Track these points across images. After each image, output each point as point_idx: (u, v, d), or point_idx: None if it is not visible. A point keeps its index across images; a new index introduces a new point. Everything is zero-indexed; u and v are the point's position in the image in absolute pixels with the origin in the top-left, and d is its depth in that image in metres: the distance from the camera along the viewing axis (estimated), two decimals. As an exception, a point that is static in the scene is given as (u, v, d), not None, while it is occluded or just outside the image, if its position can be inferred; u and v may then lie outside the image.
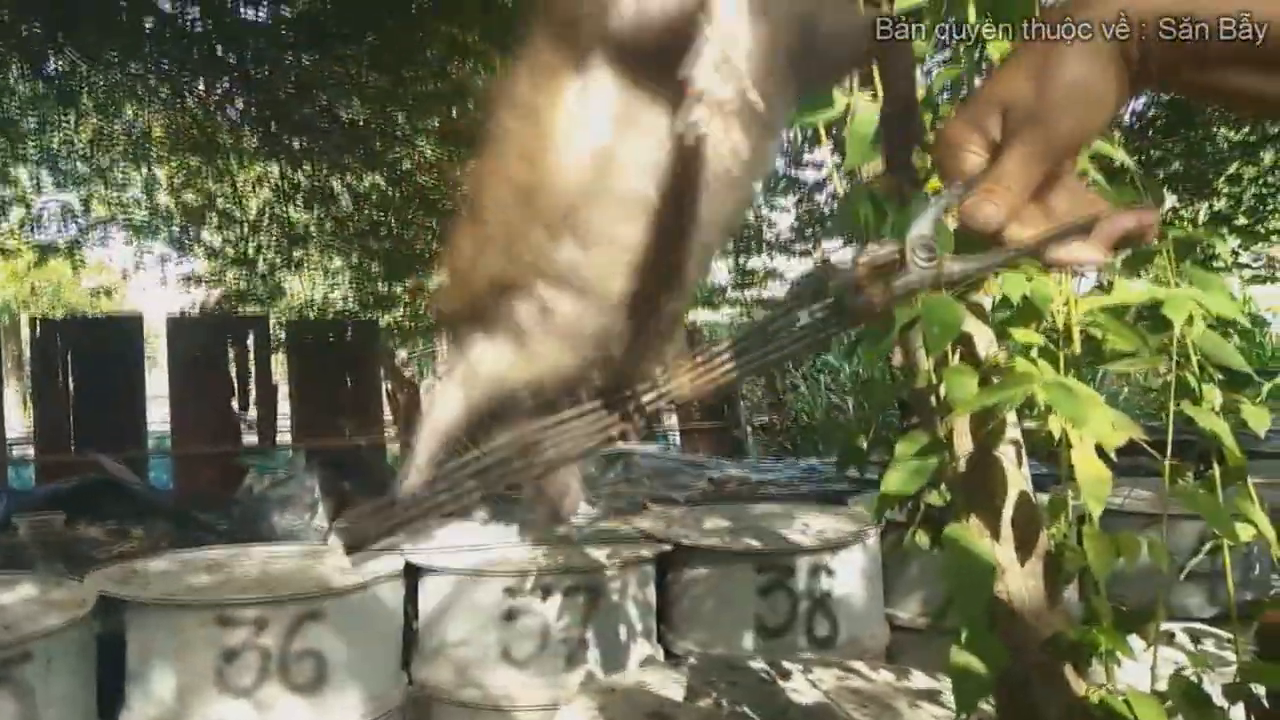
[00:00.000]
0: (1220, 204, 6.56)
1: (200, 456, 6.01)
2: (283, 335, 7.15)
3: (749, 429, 7.18)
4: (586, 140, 0.56)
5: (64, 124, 6.81)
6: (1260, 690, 1.23)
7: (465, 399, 0.60)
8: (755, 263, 9.55)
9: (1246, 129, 6.03)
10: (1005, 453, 1.30)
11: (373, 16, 4.95)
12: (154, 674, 2.41)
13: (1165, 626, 1.65)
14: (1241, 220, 6.56)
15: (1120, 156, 1.24)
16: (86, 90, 6.25)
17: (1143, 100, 6.12)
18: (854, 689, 2.07)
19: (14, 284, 13.74)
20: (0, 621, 2.28)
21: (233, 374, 6.35)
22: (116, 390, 6.27)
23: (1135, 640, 1.26)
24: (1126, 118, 6.09)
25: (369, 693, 2.49)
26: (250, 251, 7.75)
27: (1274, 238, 6.91)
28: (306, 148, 6.44)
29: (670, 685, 2.12)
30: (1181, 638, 2.01)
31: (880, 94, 1.28)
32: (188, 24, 5.62)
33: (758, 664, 2.29)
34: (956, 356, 1.28)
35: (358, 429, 5.76)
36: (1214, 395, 1.27)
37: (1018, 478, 1.30)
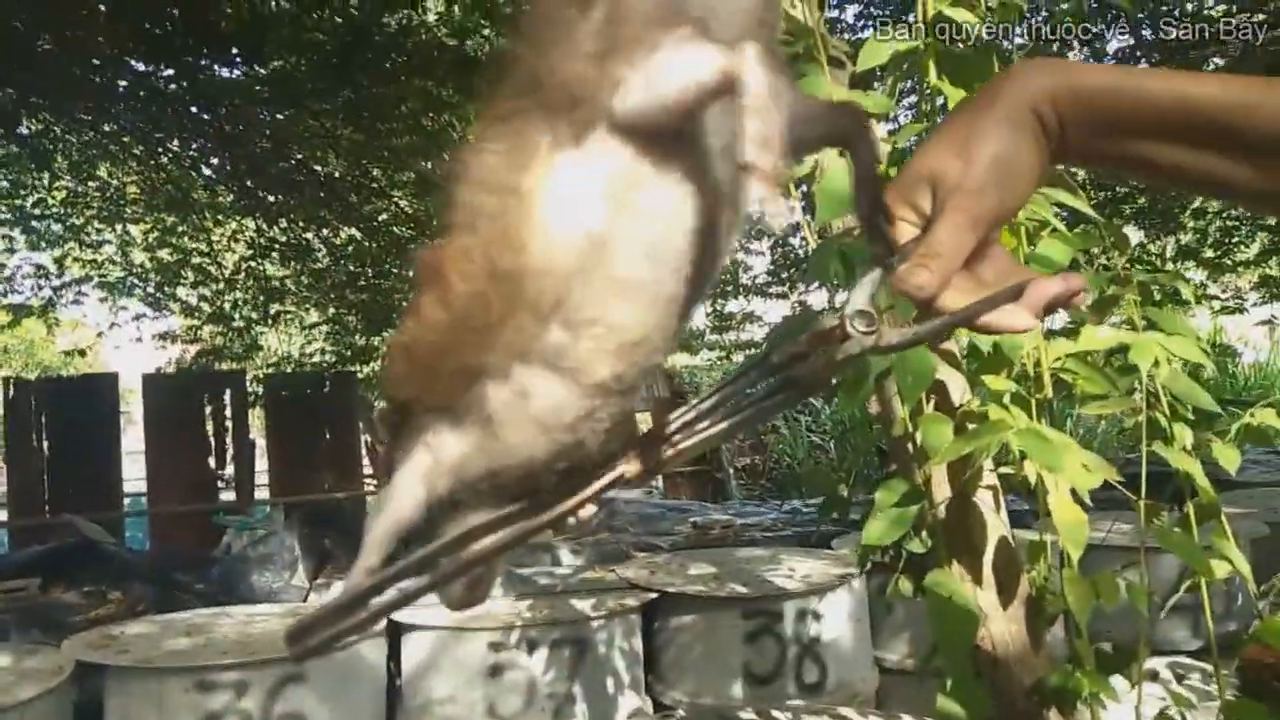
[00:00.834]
0: (1186, 237, 6.70)
1: (177, 515, 5.93)
2: (260, 390, 7.10)
3: (731, 471, 7.17)
4: (579, 220, 0.53)
5: (38, 184, 6.80)
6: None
7: (425, 490, 0.56)
8: (733, 306, 9.62)
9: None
10: (983, 498, 1.31)
11: (346, 72, 5.00)
12: (133, 743, 2.35)
13: (1149, 664, 1.66)
14: (1208, 253, 6.70)
15: (1081, 206, 1.28)
16: (60, 150, 6.25)
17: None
18: (844, 736, 2.05)
19: (-14, 344, 13.58)
20: (-26, 694, 2.23)
21: (209, 430, 6.29)
22: (91, 451, 6.19)
23: (1119, 680, 1.27)
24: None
25: (353, 755, 2.44)
26: (226, 307, 7.72)
27: (1240, 269, 7.05)
28: (282, 202, 6.45)
29: (659, 738, 2.09)
30: (1166, 674, 2.02)
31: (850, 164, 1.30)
32: (161, 82, 5.64)
33: (747, 714, 2.27)
34: (931, 404, 1.30)
35: (337, 482, 5.71)
36: (1185, 435, 1.29)
37: (996, 523, 1.31)
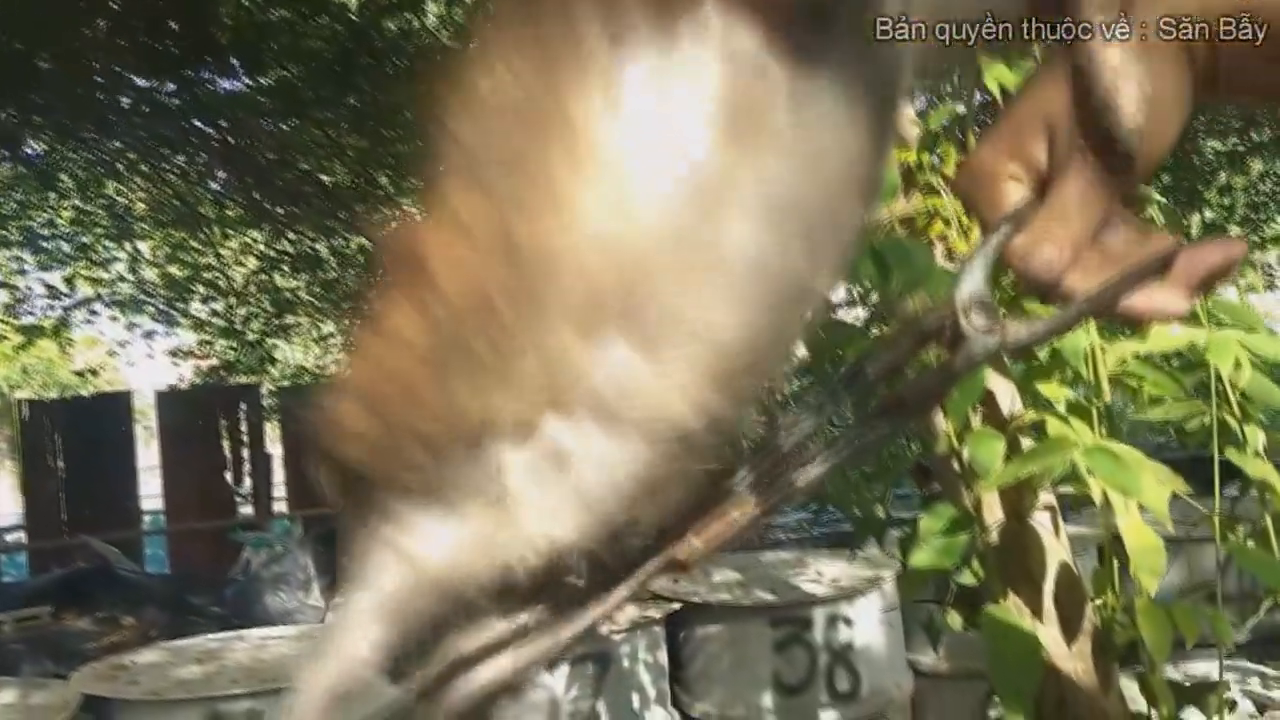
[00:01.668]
0: (1212, 215, 6.54)
1: (195, 533, 5.89)
2: (275, 403, 7.07)
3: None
4: (667, 163, 0.33)
5: (45, 204, 6.79)
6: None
7: (390, 627, 0.36)
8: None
9: (1234, 139, 6.02)
10: (1040, 520, 1.20)
11: (348, 79, 4.93)
12: (143, 779, 2.28)
13: (1208, 669, 1.55)
14: (1235, 230, 6.54)
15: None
16: (66, 169, 6.23)
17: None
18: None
19: (3, 365, 13.68)
20: (-23, 736, 2.17)
21: (225, 445, 6.25)
22: (107, 470, 6.18)
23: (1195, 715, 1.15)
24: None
25: (371, 786, 2.36)
26: (238, 321, 7.70)
27: (1269, 245, 6.89)
28: (290, 213, 6.41)
29: (689, 759, 2.00)
30: (1243, 701, 1.90)
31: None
32: (163, 97, 5.60)
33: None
34: (979, 417, 1.18)
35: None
36: (1258, 437, 1.17)
37: (1056, 548, 1.20)
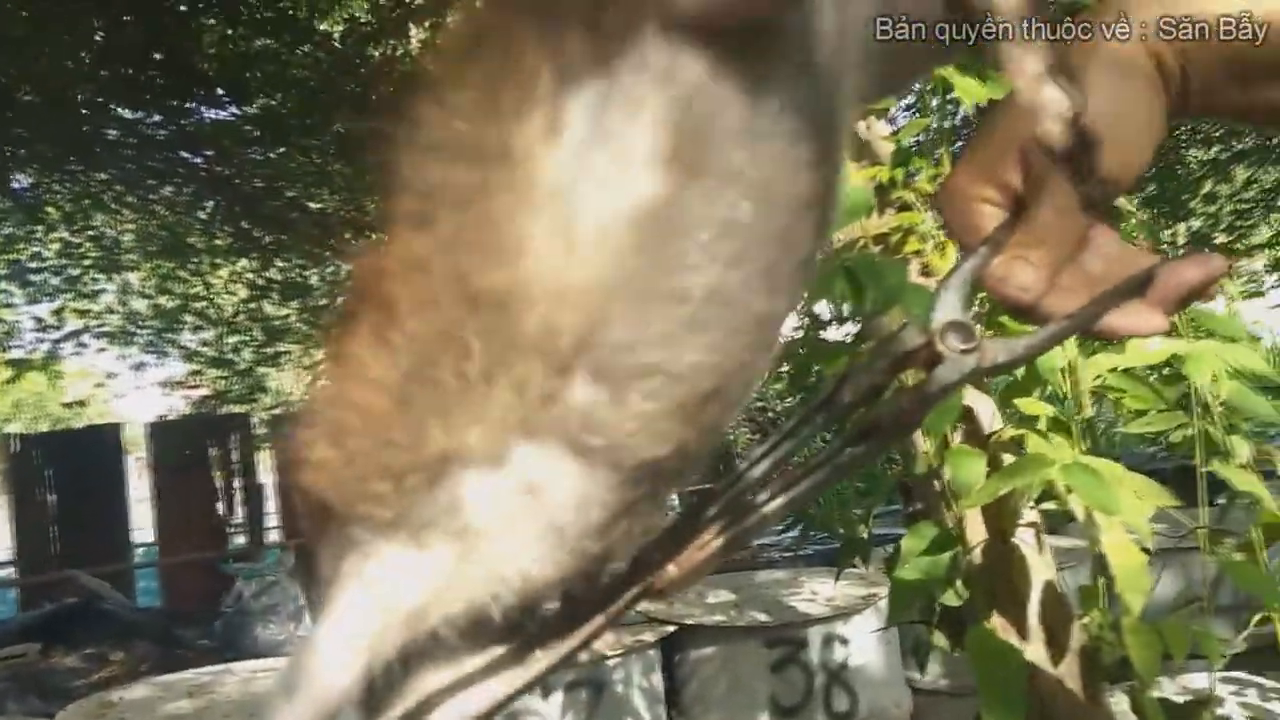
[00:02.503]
0: (1198, 223, 6.57)
1: (187, 564, 5.84)
2: (266, 432, 7.03)
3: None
4: (618, 196, 0.32)
5: (33, 237, 6.78)
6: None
7: (365, 658, 0.35)
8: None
9: (1216, 148, 6.06)
10: (1023, 537, 1.18)
11: (333, 106, 4.94)
12: (130, 821, 2.24)
13: (1201, 681, 1.53)
14: (1221, 238, 6.56)
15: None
16: (52, 202, 6.22)
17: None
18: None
19: (-6, 400, 13.62)
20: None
21: (216, 476, 6.21)
22: (98, 503, 6.13)
23: (1188, 730, 1.13)
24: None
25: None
26: (229, 350, 7.67)
27: (1253, 253, 6.92)
28: (279, 241, 6.40)
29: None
30: (1237, 717, 1.87)
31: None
32: (149, 128, 5.60)
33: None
34: (958, 435, 1.17)
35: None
36: (1242, 449, 1.16)
37: (1041, 565, 1.18)
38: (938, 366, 0.38)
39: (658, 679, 2.76)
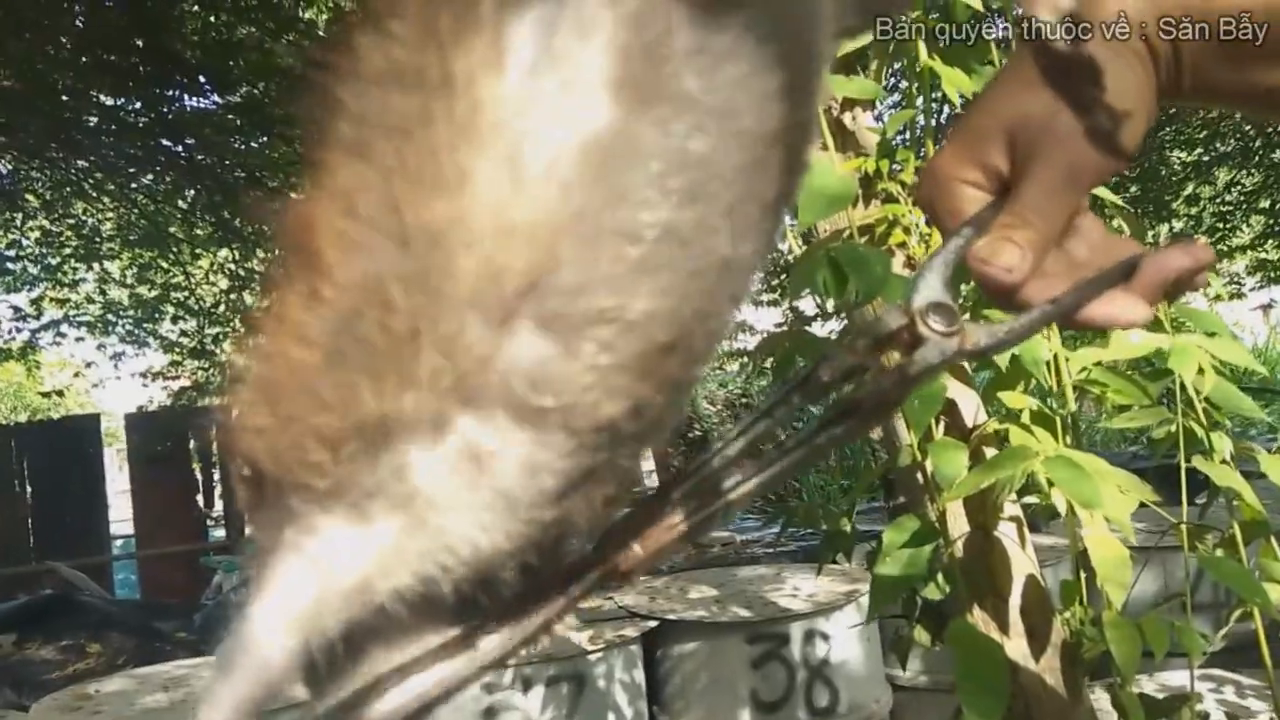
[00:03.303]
0: (1180, 224, 6.62)
1: (166, 557, 5.80)
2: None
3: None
4: (567, 126, 0.30)
5: (11, 225, 6.70)
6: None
7: (301, 636, 0.32)
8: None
9: (1199, 150, 6.10)
10: (1006, 531, 1.18)
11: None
12: (103, 815, 2.22)
13: (1180, 678, 1.54)
14: (1202, 240, 6.60)
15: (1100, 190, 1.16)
16: (32, 190, 6.15)
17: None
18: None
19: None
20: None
21: (195, 468, 6.16)
22: (76, 495, 6.07)
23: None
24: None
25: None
26: (209, 341, 7.60)
27: (1235, 254, 6.98)
28: (260, 231, 6.35)
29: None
30: (1215, 713, 1.88)
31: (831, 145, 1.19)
32: (130, 116, 5.54)
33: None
34: (941, 428, 1.17)
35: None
36: (1224, 445, 1.16)
37: (1023, 560, 1.18)
38: (919, 348, 0.37)
39: (639, 674, 2.75)
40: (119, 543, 6.69)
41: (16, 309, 7.49)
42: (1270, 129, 5.72)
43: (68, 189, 6.45)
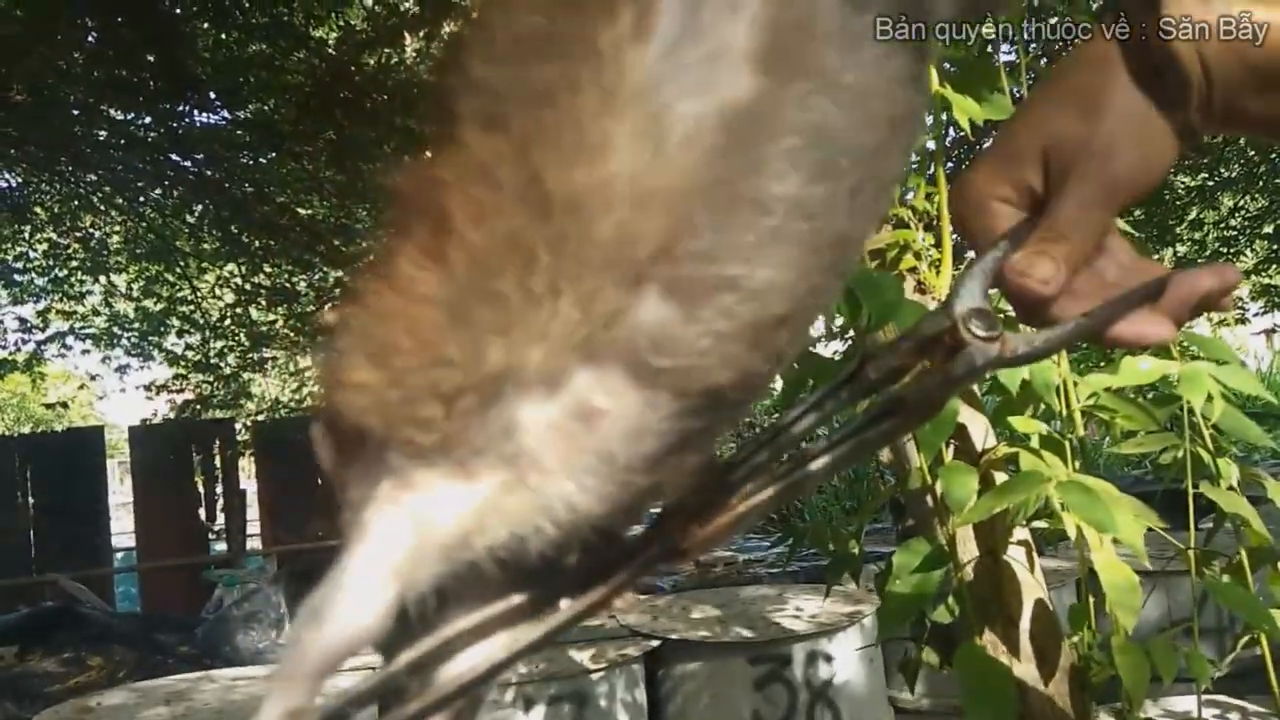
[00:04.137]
0: (1184, 249, 6.62)
1: (168, 570, 5.78)
2: (249, 438, 6.98)
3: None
4: (705, 102, 0.31)
5: (20, 237, 6.73)
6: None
7: (396, 587, 0.33)
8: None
9: (1204, 175, 6.11)
10: (1015, 555, 1.18)
11: (326, 114, 4.92)
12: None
13: (1184, 705, 1.53)
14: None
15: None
16: (40, 202, 6.18)
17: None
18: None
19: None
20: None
21: (199, 482, 6.15)
22: (78, 507, 6.06)
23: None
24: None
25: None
26: (214, 355, 7.61)
27: (1240, 280, 6.98)
28: (267, 247, 6.37)
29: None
30: None
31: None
32: (140, 130, 5.57)
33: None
34: (951, 451, 1.17)
35: (331, 530, 5.54)
36: (1231, 471, 1.17)
37: (1032, 584, 1.18)
38: (962, 351, 0.38)
39: (641, 694, 2.74)
40: (120, 555, 6.67)
41: (23, 320, 7.52)
42: (1275, 153, 5.73)
43: (76, 202, 6.48)
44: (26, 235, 6.82)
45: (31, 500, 6.20)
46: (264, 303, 7.18)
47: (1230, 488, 1.16)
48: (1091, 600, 1.15)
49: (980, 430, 1.21)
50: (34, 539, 6.15)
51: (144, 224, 6.52)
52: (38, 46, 4.51)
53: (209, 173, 5.76)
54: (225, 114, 5.48)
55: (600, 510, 0.33)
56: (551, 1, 0.32)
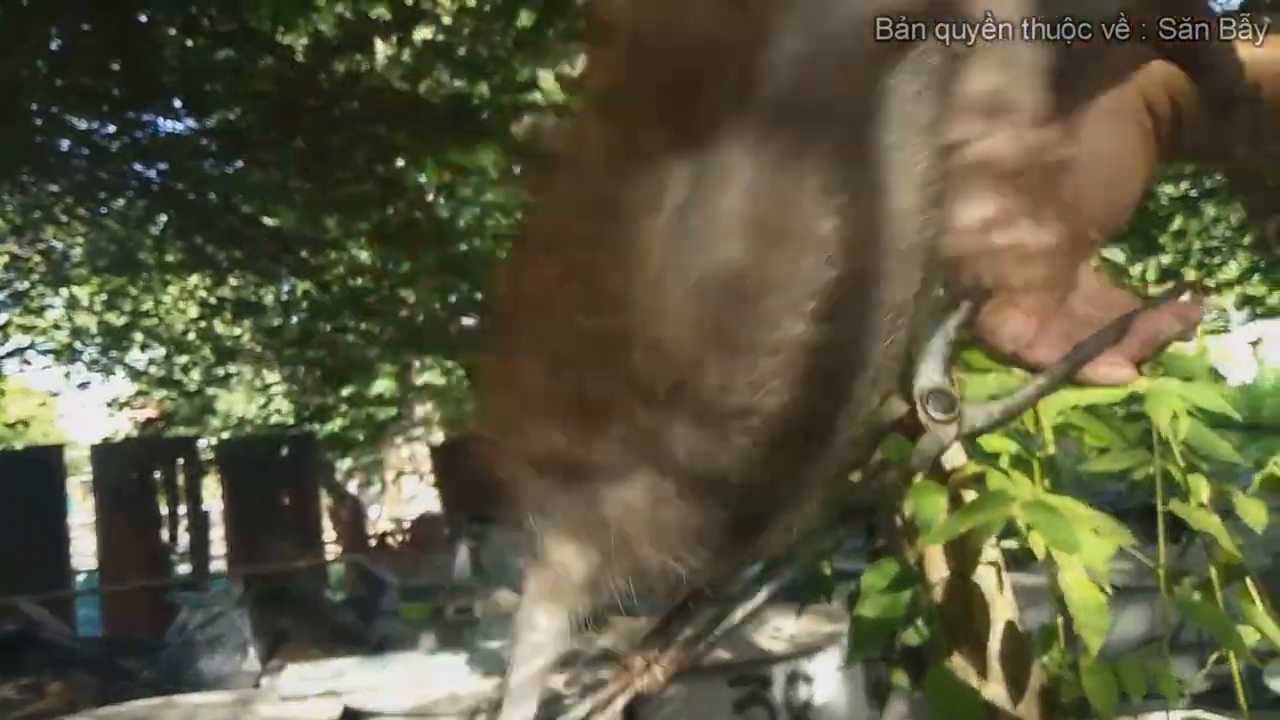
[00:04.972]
0: (1168, 259, 6.66)
1: (130, 593, 5.65)
2: (214, 456, 6.86)
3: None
4: (705, 262, 0.36)
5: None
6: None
7: (566, 617, 0.40)
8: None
9: (1186, 184, 6.16)
10: (984, 576, 1.16)
11: (294, 122, 4.85)
12: None
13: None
14: (1191, 274, 6.66)
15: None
16: (1, 214, 6.05)
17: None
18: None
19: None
20: None
21: (161, 501, 6.03)
22: (38, 527, 5.92)
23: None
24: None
25: None
26: (177, 370, 7.48)
27: (1222, 290, 7.02)
28: (232, 258, 6.27)
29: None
30: None
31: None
32: (104, 140, 5.47)
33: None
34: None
35: (296, 550, 5.45)
36: (1202, 488, 1.15)
37: (1001, 604, 1.16)
38: (920, 437, 0.40)
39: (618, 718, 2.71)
40: (82, 577, 6.53)
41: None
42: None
43: (38, 213, 6.36)
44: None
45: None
46: (229, 316, 7.08)
47: (1200, 504, 1.15)
48: (1061, 620, 1.14)
49: (950, 449, 1.19)
50: (-8, 561, 6.00)
51: (107, 235, 6.41)
52: (-2, 54, 4.42)
53: (173, 182, 5.66)
54: (191, 122, 5.39)
55: (665, 580, 0.39)
56: (600, 167, 0.37)
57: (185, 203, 5.71)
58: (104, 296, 7.42)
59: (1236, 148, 0.42)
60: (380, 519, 9.11)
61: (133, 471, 6.03)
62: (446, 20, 5.21)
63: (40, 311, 7.44)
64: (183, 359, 7.51)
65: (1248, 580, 1.19)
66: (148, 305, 7.32)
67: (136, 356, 7.73)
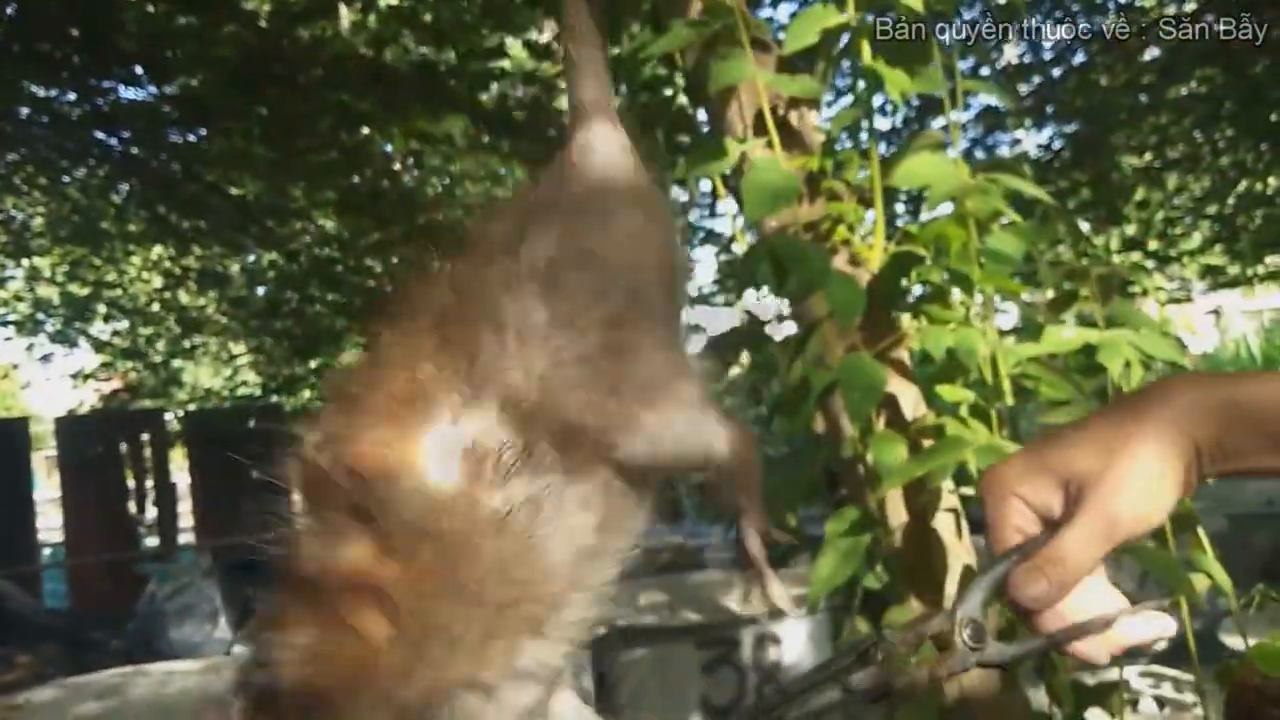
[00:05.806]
0: (1131, 229, 6.74)
1: (97, 565, 5.59)
2: (180, 428, 6.78)
3: (684, 488, 7.02)
4: (571, 547, 0.58)
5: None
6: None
7: None
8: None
9: (1149, 155, 6.23)
10: (943, 523, 1.19)
11: (257, 89, 4.76)
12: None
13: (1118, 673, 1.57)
14: (1153, 244, 6.76)
15: (1038, 193, 1.17)
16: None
17: (1048, 133, 6.30)
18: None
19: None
20: None
21: (128, 474, 5.96)
22: (2, 501, 5.84)
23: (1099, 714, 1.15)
24: (1034, 150, 6.26)
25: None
26: (142, 341, 7.37)
27: (1184, 259, 7.12)
28: (196, 228, 6.17)
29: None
30: (1137, 684, 1.92)
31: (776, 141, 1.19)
32: (64, 107, 5.35)
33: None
34: (882, 420, 1.17)
35: (265, 522, 5.40)
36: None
37: (959, 551, 1.19)
38: (950, 651, 0.53)
39: (588, 680, 2.73)
40: (48, 551, 6.45)
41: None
42: (1219, 136, 5.88)
43: (-5, 182, 6.21)
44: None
45: (-48, 495, 5.96)
46: (194, 286, 6.97)
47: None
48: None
49: (910, 400, 1.21)
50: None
51: (68, 205, 6.28)
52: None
53: (135, 151, 5.55)
54: (152, 89, 5.28)
55: None
56: (460, 500, 0.57)
57: (148, 171, 5.60)
58: (66, 267, 7.28)
59: None
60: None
61: (98, 444, 5.96)
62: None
63: (1, 283, 7.29)
64: (147, 330, 7.40)
65: (1199, 530, 1.22)
66: (111, 276, 7.19)
67: (100, 328, 7.60)
